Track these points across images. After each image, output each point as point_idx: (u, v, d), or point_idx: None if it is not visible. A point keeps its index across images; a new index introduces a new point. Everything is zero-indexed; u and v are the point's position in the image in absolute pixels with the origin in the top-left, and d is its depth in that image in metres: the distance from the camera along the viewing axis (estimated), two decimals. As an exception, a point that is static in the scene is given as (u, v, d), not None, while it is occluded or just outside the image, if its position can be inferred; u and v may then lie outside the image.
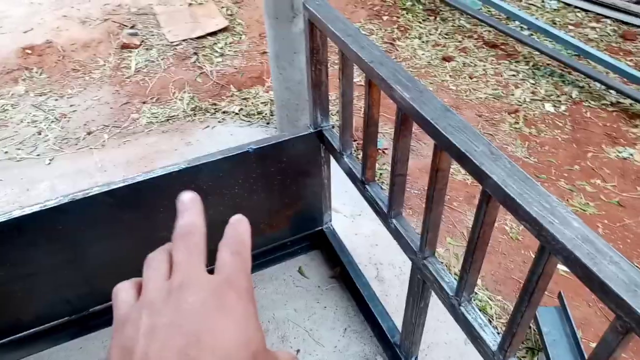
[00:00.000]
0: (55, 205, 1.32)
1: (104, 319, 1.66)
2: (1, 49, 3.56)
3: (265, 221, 1.74)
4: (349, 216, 2.09)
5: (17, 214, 1.30)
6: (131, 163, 2.51)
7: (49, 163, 2.60)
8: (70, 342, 1.66)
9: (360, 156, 1.32)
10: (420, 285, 1.21)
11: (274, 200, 1.69)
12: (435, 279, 1.10)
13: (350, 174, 1.41)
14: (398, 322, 1.61)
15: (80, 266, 1.47)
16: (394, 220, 1.23)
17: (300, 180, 1.67)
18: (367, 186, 1.32)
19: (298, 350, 1.60)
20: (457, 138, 0.87)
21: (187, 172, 1.44)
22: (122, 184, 1.37)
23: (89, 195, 1.34)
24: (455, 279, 1.07)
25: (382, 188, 1.32)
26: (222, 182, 1.52)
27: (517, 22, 3.84)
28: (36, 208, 1.31)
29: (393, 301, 1.76)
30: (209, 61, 3.41)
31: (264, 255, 1.83)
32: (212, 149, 2.63)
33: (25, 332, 1.55)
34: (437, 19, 4.03)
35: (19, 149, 2.75)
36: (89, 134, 2.82)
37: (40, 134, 2.85)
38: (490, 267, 2.07)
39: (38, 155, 2.68)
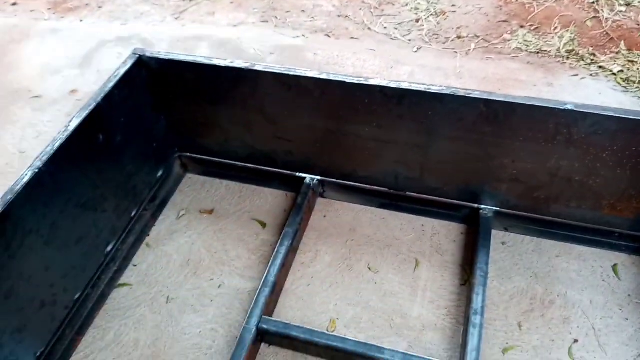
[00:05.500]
0: (426, 90, 1.41)
1: (414, 207, 1.79)
2: None
3: (610, 200, 1.55)
4: None
5: (405, 85, 1.43)
6: (487, 80, 2.50)
7: (416, 51, 2.78)
8: (379, 209, 1.85)
9: None
10: None
11: (634, 184, 1.48)
12: None
13: None
14: None
15: (424, 154, 1.58)
16: None
17: (681, 177, 1.41)
18: None
19: (576, 340, 1.48)
20: None
21: (568, 114, 1.35)
22: (502, 99, 1.36)
23: (469, 95, 1.38)
24: None
25: None
26: (594, 141, 1.38)
27: None
28: (413, 86, 1.42)
29: None
30: (609, 7, 3.00)
31: (584, 232, 1.67)
32: (571, 100, 2.41)
33: (354, 183, 1.80)
34: None
35: (395, 29, 2.99)
36: (458, 37, 2.87)
37: (417, 22, 3.03)
38: None
39: (409, 40, 2.87)
